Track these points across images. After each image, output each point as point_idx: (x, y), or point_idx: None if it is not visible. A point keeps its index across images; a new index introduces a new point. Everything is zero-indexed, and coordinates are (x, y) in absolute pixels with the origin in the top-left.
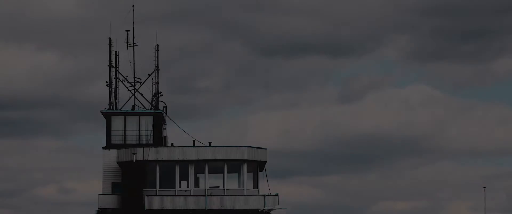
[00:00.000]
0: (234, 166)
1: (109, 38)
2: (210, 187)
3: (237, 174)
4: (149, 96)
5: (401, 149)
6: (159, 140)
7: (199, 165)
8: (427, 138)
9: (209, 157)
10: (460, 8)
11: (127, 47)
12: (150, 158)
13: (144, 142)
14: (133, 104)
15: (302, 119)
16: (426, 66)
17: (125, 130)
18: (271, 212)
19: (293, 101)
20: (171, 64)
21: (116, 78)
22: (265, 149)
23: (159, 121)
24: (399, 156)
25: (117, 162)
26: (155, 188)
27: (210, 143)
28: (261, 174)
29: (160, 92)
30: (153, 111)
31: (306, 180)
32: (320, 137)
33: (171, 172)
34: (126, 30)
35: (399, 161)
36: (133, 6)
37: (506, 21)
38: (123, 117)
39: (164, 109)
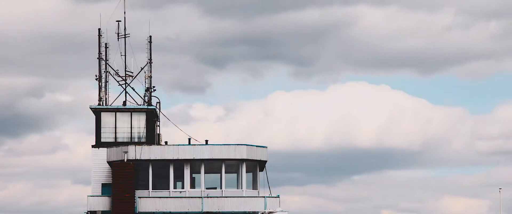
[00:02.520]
0: (232, 165)
1: (99, 29)
2: (206, 188)
3: (235, 174)
4: (141, 91)
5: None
6: (152, 137)
7: (195, 164)
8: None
9: (206, 156)
10: None
11: (118, 38)
12: (142, 157)
13: (136, 140)
14: (124, 99)
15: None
16: None
17: (115, 127)
18: None
19: None
20: None
21: (106, 72)
22: (265, 147)
23: (152, 117)
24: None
25: (107, 162)
26: (148, 189)
27: (206, 141)
28: (261, 174)
29: (153, 87)
30: (146, 107)
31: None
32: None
33: (165, 172)
34: (117, 21)
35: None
36: None
37: None
38: (114, 113)
39: (158, 104)
